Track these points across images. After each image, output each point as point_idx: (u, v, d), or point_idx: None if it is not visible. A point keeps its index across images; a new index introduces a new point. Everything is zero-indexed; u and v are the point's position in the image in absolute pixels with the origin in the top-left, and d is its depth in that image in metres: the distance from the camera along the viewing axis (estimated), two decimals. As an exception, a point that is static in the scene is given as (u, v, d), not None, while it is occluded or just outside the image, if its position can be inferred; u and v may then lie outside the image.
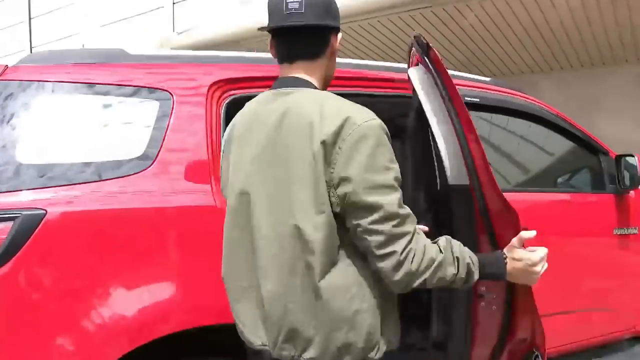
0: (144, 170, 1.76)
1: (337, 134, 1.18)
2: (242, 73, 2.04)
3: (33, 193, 1.62)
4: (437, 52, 1.70)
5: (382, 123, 1.24)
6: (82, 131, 1.78)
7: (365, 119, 1.20)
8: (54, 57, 1.89)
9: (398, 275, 1.17)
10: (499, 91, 2.60)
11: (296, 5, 1.29)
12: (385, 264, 1.17)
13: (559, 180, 2.97)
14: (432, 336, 2.23)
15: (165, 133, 1.82)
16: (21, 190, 1.62)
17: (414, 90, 1.87)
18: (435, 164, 1.93)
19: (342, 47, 6.66)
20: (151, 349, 1.66)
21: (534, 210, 2.46)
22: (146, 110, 1.85)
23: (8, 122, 1.68)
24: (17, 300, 1.55)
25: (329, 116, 1.20)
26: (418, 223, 1.26)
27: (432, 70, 1.71)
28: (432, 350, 2.21)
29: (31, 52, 13.36)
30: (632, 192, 2.87)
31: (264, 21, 1.37)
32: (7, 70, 1.79)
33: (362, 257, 1.23)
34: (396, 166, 1.21)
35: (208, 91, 1.94)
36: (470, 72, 7.19)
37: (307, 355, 1.22)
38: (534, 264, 1.33)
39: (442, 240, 1.28)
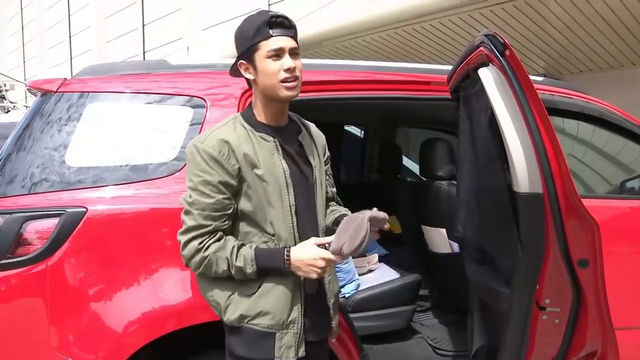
0: (175, 172, 1.91)
1: None
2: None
3: (77, 192, 1.85)
4: (514, 51, 1.64)
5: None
6: (121, 136, 1.98)
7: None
8: (105, 69, 2.10)
9: None
10: (553, 92, 2.45)
11: None
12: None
13: (628, 185, 2.73)
14: (475, 346, 2.17)
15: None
16: (67, 190, 1.85)
17: (482, 90, 1.78)
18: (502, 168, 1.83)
19: (417, 46, 6.51)
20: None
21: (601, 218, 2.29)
22: (182, 116, 2.00)
23: (58, 128, 1.91)
24: (62, 284, 1.79)
25: None
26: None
27: (508, 70, 1.65)
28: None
29: (144, 56, 14.54)
30: None
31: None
32: (65, 82, 2.02)
33: None
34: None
35: (240, 97, 2.05)
36: (556, 69, 6.77)
37: None
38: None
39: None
